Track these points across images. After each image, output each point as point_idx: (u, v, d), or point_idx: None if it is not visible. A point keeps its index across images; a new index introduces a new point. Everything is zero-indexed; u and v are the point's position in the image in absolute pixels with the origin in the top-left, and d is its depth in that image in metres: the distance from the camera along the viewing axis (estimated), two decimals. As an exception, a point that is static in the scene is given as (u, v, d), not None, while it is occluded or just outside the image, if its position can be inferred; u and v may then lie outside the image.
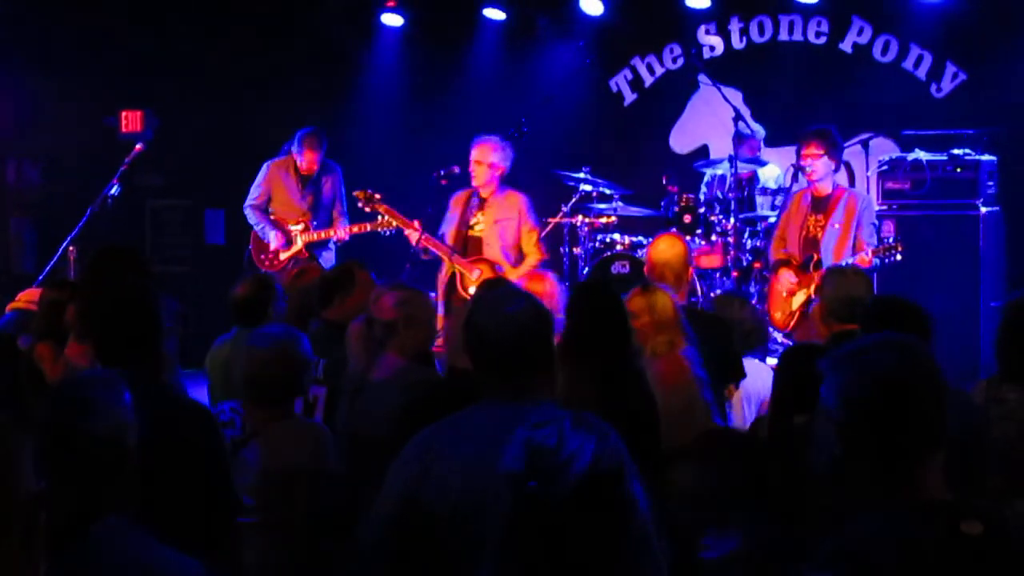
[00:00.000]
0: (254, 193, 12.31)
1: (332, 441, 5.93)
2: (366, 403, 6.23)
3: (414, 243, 11.18)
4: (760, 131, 12.93)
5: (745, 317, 8.67)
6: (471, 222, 11.29)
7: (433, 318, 7.16)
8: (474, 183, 11.21)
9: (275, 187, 12.28)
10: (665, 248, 8.21)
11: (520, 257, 11.25)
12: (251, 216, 12.30)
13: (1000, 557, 3.18)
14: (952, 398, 3.60)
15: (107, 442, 3.52)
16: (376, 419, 5.88)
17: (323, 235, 12.12)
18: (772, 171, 12.70)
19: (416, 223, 11.23)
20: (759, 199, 12.43)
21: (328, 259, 12.05)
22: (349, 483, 5.85)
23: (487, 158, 11.17)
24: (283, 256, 12.12)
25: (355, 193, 11.61)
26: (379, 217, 11.52)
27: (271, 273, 11.44)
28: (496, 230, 11.19)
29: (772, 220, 11.80)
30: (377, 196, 11.37)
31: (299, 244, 12.12)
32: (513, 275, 10.89)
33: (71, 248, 11.34)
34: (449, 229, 11.35)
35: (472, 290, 10.70)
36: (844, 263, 10.20)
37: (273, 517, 5.64)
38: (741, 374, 7.87)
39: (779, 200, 12.04)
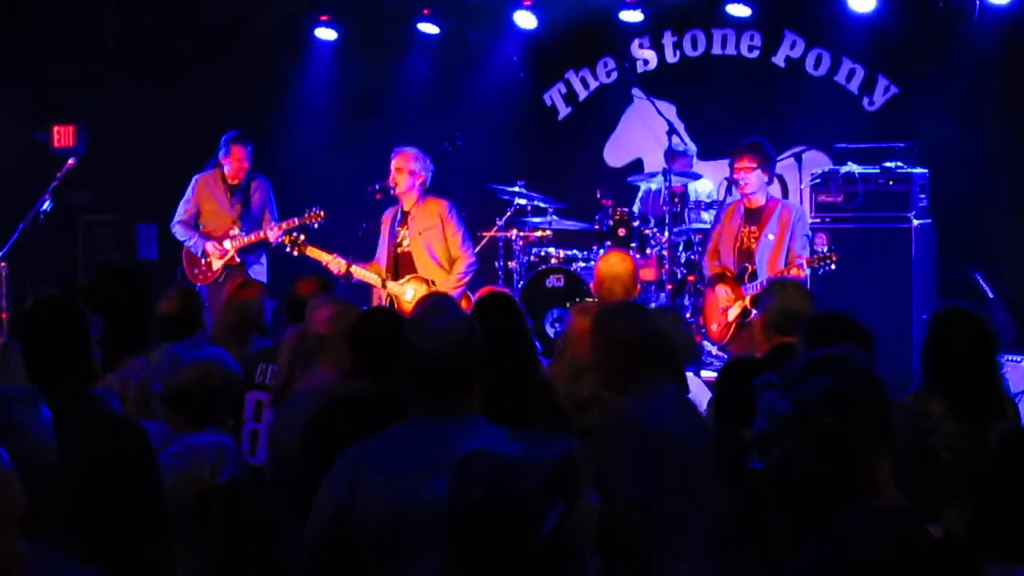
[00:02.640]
0: (181, 209, 12.25)
1: (233, 452, 5.83)
2: (288, 414, 6.18)
3: (337, 272, 11.10)
4: (692, 147, 12.98)
5: (678, 332, 8.65)
6: (398, 239, 11.26)
7: None
8: (396, 191, 11.18)
9: (204, 199, 12.21)
10: (616, 262, 8.23)
11: (452, 263, 11.23)
12: (180, 232, 12.23)
13: (957, 559, 3.27)
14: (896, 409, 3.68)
15: (26, 467, 3.44)
16: (295, 431, 5.85)
17: (253, 239, 12.02)
18: (705, 184, 12.75)
19: (336, 256, 11.17)
20: (692, 212, 12.47)
21: (259, 272, 11.98)
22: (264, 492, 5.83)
23: (408, 166, 11.16)
24: (216, 266, 12.04)
25: (282, 239, 11.53)
26: (308, 212, 11.48)
27: (201, 287, 11.39)
28: (422, 241, 11.16)
29: (706, 233, 11.83)
30: (302, 238, 11.30)
31: (231, 252, 12.03)
32: (447, 284, 10.88)
33: (2, 264, 11.24)
34: (382, 251, 11.35)
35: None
36: (786, 276, 10.22)
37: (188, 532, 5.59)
38: (685, 390, 7.86)
39: (712, 213, 12.07)
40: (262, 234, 11.92)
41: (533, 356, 6.36)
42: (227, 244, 12.02)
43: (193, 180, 12.29)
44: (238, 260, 12.03)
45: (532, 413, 5.73)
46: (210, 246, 12.04)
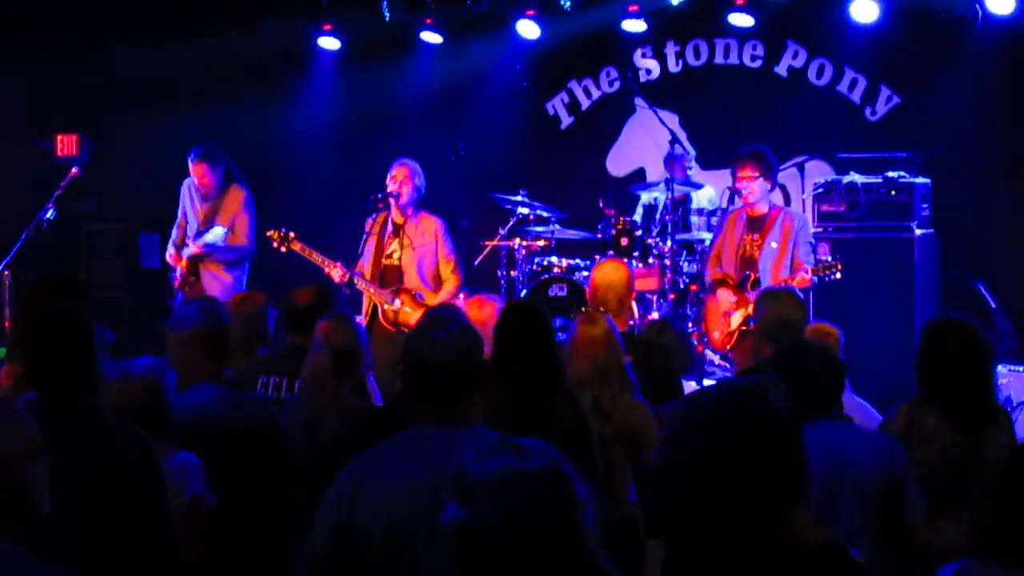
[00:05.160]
0: (178, 215, 12.26)
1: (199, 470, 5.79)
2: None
3: (337, 280, 11.04)
4: (691, 151, 13.00)
5: (667, 342, 8.68)
6: (388, 250, 11.21)
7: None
8: (401, 202, 11.15)
9: (185, 205, 12.23)
10: (610, 271, 8.23)
11: (439, 283, 11.18)
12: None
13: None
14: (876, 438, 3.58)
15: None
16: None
17: (196, 249, 11.91)
18: (707, 193, 12.75)
19: (339, 265, 11.11)
20: (694, 220, 12.48)
21: (237, 279, 11.88)
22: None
23: (412, 178, 11.14)
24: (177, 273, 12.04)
25: (268, 233, 11.40)
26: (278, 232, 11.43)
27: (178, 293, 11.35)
28: (415, 257, 11.08)
29: (708, 242, 11.82)
30: (292, 235, 11.21)
31: (183, 260, 11.99)
32: (433, 302, 10.84)
33: (5, 272, 11.24)
34: (366, 258, 11.24)
35: (394, 321, 10.80)
36: (779, 285, 10.20)
37: None
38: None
39: (714, 222, 12.07)
40: (197, 246, 11.88)
41: (558, 366, 6.37)
42: (181, 252, 12.01)
43: (182, 185, 12.30)
44: (187, 266, 11.98)
45: (556, 423, 5.74)
46: (169, 252, 12.08)
